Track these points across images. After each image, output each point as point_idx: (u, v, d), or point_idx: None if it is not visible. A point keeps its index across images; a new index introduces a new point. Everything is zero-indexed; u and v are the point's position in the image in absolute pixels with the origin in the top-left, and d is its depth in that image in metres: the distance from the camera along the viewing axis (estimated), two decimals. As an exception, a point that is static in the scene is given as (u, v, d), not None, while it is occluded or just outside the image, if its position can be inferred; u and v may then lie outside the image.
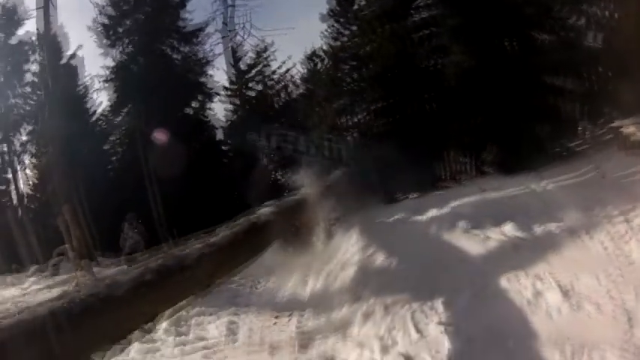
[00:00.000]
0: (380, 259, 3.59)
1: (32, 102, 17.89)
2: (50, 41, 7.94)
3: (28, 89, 18.13)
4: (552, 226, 3.46)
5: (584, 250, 2.91)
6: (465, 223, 3.79)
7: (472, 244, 3.39)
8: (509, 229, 3.41)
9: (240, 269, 3.30)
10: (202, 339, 3.34)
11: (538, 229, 3.40)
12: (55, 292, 7.19)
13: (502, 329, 2.30)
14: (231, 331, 3.34)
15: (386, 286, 3.12)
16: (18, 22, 18.05)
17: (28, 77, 18.15)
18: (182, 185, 15.03)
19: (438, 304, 2.62)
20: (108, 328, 1.65)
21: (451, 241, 3.60)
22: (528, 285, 2.47)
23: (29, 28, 17.64)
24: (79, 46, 18.21)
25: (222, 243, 2.49)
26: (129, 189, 16.02)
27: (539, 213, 3.91)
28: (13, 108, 17.70)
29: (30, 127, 18.33)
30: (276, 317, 3.55)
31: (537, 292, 2.40)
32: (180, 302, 2.36)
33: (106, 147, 18.33)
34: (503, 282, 2.57)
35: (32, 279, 9.93)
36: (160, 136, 14.67)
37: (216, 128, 20.38)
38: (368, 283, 3.28)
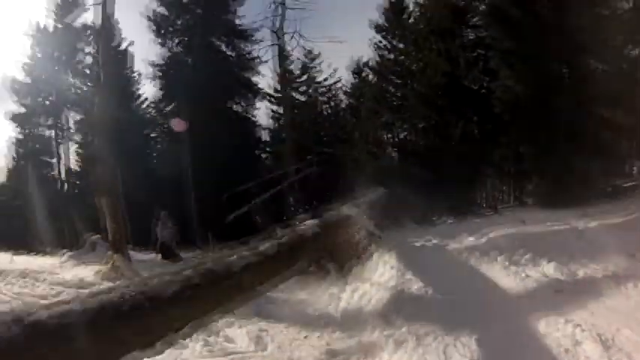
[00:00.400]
0: (415, 285, 3.57)
1: (80, 91, 19.03)
2: (107, 31, 8.29)
3: (77, 80, 19.25)
4: (595, 270, 3.36)
5: (628, 300, 2.82)
6: (503, 257, 3.71)
7: (510, 280, 3.33)
8: (549, 269, 3.33)
9: (282, 281, 3.34)
10: (230, 347, 3.31)
11: (580, 272, 3.31)
12: (90, 268, 7.56)
13: (536, 376, 2.26)
14: (260, 343, 3.31)
15: (420, 314, 3.10)
16: (82, 7, 19.27)
17: (79, 67, 19.39)
18: (220, 185, 15.34)
19: (472, 341, 2.59)
20: (153, 328, 1.68)
21: (488, 275, 3.55)
22: (567, 332, 2.40)
23: (85, 17, 18.96)
24: (131, 42, 19.15)
25: (268, 253, 2.51)
26: (166, 182, 16.51)
27: (581, 254, 3.80)
28: (64, 95, 18.78)
29: (78, 116, 19.48)
30: (307, 332, 3.52)
31: (576, 341, 2.34)
32: (224, 309, 2.39)
33: (152, 134, 19.18)
34: (541, 325, 2.52)
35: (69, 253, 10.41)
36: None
37: (264, 129, 20.87)
38: (401, 310, 3.27)
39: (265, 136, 21.04)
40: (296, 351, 3.15)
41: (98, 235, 12.81)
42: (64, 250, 16.51)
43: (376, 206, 5.88)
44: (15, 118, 19.46)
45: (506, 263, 3.60)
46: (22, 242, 23.47)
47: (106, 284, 5.92)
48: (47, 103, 18.96)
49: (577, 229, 5.32)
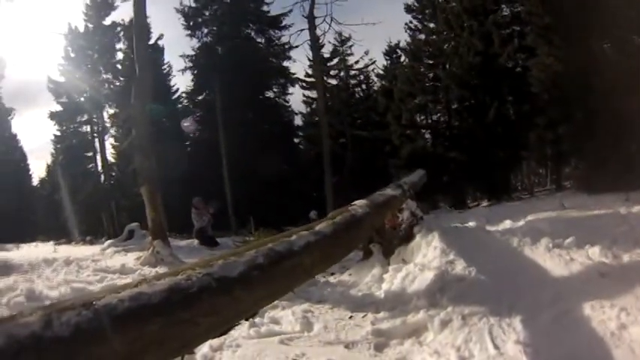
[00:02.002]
0: (459, 266, 3.62)
1: (114, 87, 19.71)
2: (140, 24, 8.55)
3: (110, 76, 19.90)
4: (639, 255, 3.36)
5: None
6: (546, 240, 3.73)
7: (554, 263, 3.33)
8: (594, 252, 3.32)
9: (338, 262, 3.45)
10: (277, 328, 3.43)
11: (624, 256, 3.27)
12: (131, 255, 7.94)
13: (582, 358, 2.34)
14: (306, 323, 3.42)
15: (464, 295, 3.16)
16: (111, 6, 19.79)
17: (112, 63, 19.98)
18: (255, 170, 15.65)
19: (517, 321, 2.65)
20: (222, 310, 1.66)
21: (532, 258, 3.57)
22: (613, 316, 2.45)
23: (114, 15, 19.43)
24: (161, 35, 19.62)
25: (326, 232, 2.54)
26: (202, 167, 16.96)
27: (624, 238, 3.72)
28: (99, 90, 19.51)
29: (112, 110, 20.24)
30: (352, 313, 3.61)
31: (622, 324, 2.39)
32: (289, 289, 2.39)
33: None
34: (587, 309, 2.56)
35: (109, 241, 10.91)
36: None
37: (296, 114, 21.10)
38: (446, 290, 3.34)
39: (298, 120, 21.31)
40: (342, 331, 3.24)
41: (137, 223, 13.41)
42: (104, 239, 17.39)
43: (418, 187, 5.91)
44: (53, 116, 20.61)
45: (550, 246, 3.61)
46: (62, 233, 24.87)
47: (147, 270, 6.30)
48: (82, 99, 19.84)
49: (619, 213, 5.24)
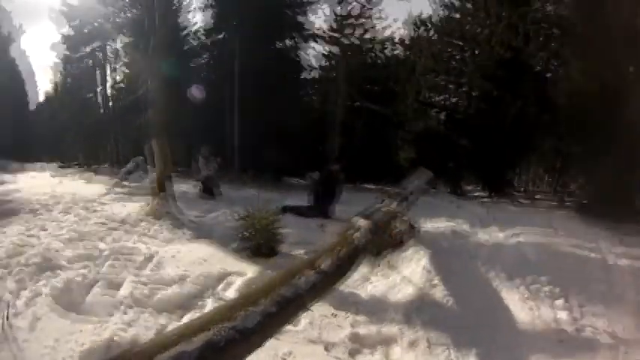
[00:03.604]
0: (439, 292, 3.88)
1: (130, 15, 19.20)
2: None
3: (125, 3, 19.33)
4: (604, 324, 3.52)
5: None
6: (524, 287, 3.99)
7: (524, 314, 3.52)
8: (562, 314, 3.51)
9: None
10: None
11: (587, 324, 3.49)
12: (136, 200, 8.18)
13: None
14: None
15: (436, 321, 3.45)
16: None
17: None
18: (263, 117, 15.70)
19: (471, 358, 3.03)
20: (242, 355, 2.16)
21: (506, 301, 3.79)
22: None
23: None
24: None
25: (329, 270, 2.86)
26: (210, 114, 16.96)
27: (600, 300, 3.91)
28: (109, 17, 19.04)
29: (126, 39, 19.76)
30: (335, 310, 3.89)
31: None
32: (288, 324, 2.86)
33: (193, 65, 19.48)
34: None
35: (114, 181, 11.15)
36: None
37: (313, 69, 20.69)
38: (422, 312, 3.63)
39: (314, 74, 20.92)
40: (324, 329, 3.54)
41: (141, 157, 13.74)
42: (106, 165, 17.73)
43: (423, 191, 6.11)
44: (65, 39, 20.36)
45: (526, 295, 3.88)
46: (65, 156, 25.17)
47: (151, 221, 6.58)
48: (96, 25, 19.46)
49: (606, 262, 5.33)
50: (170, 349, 1.71)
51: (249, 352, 2.16)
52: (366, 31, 20.04)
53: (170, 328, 3.29)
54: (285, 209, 8.01)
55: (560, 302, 3.77)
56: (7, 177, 11.28)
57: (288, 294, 2.42)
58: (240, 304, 2.24)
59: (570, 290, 3.94)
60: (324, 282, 2.80)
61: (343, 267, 3.21)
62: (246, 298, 2.34)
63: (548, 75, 14.56)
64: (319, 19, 24.48)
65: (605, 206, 8.91)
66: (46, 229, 5.72)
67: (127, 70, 20.94)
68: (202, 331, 1.90)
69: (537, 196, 15.60)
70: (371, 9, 19.62)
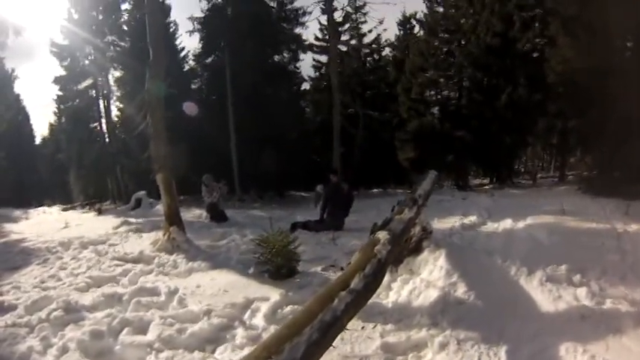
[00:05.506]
0: (460, 290, 3.92)
1: (120, 48, 19.30)
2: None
3: (115, 37, 19.39)
4: (624, 294, 3.61)
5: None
6: (541, 272, 4.07)
7: (544, 298, 3.60)
8: (581, 292, 3.57)
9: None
10: None
11: (607, 297, 3.57)
12: (146, 237, 8.02)
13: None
14: None
15: (462, 319, 3.49)
16: None
17: (119, 24, 19.48)
18: (262, 133, 15.76)
19: (502, 352, 2.97)
20: None
21: (526, 289, 3.81)
22: (581, 362, 2.86)
23: None
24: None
25: (359, 289, 2.95)
26: (209, 130, 17.02)
27: (614, 271, 4.03)
28: (104, 52, 19.17)
29: (117, 73, 19.82)
30: (363, 323, 3.89)
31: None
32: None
33: (194, 87, 19.59)
34: (562, 350, 2.85)
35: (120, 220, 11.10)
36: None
37: (305, 80, 20.85)
38: (447, 312, 3.65)
39: (306, 86, 21.10)
40: (356, 343, 3.56)
41: (144, 192, 13.85)
42: (108, 202, 17.74)
43: (430, 192, 6.18)
44: (57, 80, 20.12)
45: (543, 279, 3.91)
46: (66, 195, 25.04)
47: (165, 256, 6.47)
48: (87, 62, 19.55)
49: (615, 231, 5.45)
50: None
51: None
52: (359, 35, 20.27)
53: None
54: (295, 226, 8.12)
55: (577, 279, 3.86)
56: (11, 226, 11.33)
57: (328, 318, 2.50)
58: (285, 335, 2.31)
59: (586, 265, 4.05)
60: (356, 301, 2.87)
61: (372, 284, 3.26)
62: (290, 328, 2.40)
63: (536, 55, 14.65)
64: (308, 30, 24.46)
65: (605, 181, 9.16)
66: (60, 279, 5.64)
67: (120, 105, 20.90)
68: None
69: (539, 175, 15.63)
70: (365, 14, 19.90)
